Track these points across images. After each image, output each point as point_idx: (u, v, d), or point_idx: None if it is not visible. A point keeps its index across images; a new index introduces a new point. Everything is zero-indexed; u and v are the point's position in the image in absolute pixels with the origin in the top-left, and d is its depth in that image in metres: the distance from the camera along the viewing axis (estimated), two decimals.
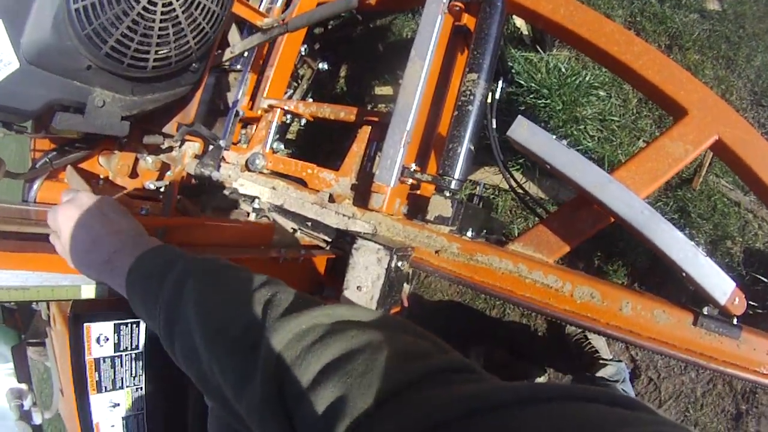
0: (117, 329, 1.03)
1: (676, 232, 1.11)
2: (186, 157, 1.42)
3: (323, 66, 1.94)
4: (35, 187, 1.35)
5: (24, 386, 1.45)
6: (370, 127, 1.42)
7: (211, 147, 1.46)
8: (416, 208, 1.37)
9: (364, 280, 1.22)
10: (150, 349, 1.09)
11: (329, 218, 1.39)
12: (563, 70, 1.89)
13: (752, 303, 1.18)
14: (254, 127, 1.72)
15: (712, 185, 1.83)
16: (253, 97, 1.70)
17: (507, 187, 1.96)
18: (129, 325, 1.05)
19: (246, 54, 1.55)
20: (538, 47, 1.98)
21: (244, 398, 0.53)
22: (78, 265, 0.85)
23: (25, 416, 1.42)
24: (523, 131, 1.17)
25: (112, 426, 1.07)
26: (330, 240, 1.39)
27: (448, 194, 1.23)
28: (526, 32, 2.02)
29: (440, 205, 1.24)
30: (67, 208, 0.85)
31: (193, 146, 1.50)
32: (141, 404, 1.11)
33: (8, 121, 1.08)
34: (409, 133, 1.23)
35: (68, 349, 0.99)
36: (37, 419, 1.45)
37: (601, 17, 1.32)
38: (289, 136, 2.39)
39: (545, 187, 1.91)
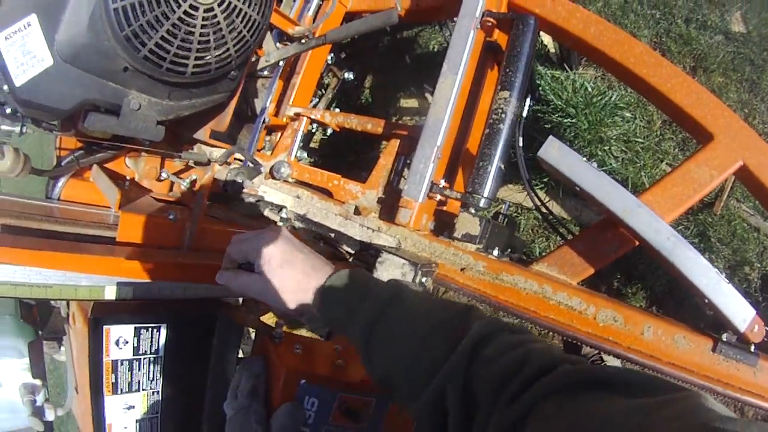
0: (137, 333, 1.05)
1: (701, 259, 1.14)
2: (217, 164, 1.45)
3: (349, 76, 1.96)
4: (60, 184, 1.38)
5: (38, 382, 1.48)
6: (398, 140, 1.43)
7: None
8: (442, 225, 1.40)
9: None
10: (169, 353, 1.11)
11: (353, 230, 1.41)
12: (589, 89, 1.92)
13: None
14: (278, 134, 1.76)
15: (733, 210, 1.85)
16: (279, 104, 1.74)
17: (530, 205, 2.00)
18: (150, 329, 1.07)
19: (281, 63, 1.59)
20: (565, 65, 2.01)
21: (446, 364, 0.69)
22: (295, 288, 0.89)
23: (37, 412, 1.45)
24: (554, 152, 1.20)
25: (125, 428, 1.08)
26: (353, 252, 1.42)
27: (475, 212, 1.26)
28: (553, 50, 2.05)
29: (468, 223, 1.26)
30: (274, 237, 0.91)
31: (222, 150, 1.52)
32: (156, 408, 1.13)
33: (39, 119, 1.09)
34: (439, 149, 1.25)
35: (87, 348, 1.01)
36: (50, 416, 1.47)
37: (630, 38, 1.35)
38: (311, 145, 2.43)
39: (568, 208, 1.94)
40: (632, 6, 2.14)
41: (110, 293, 1.03)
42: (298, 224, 1.50)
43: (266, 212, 1.55)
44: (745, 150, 1.22)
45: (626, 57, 1.35)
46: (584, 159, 1.20)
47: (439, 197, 1.29)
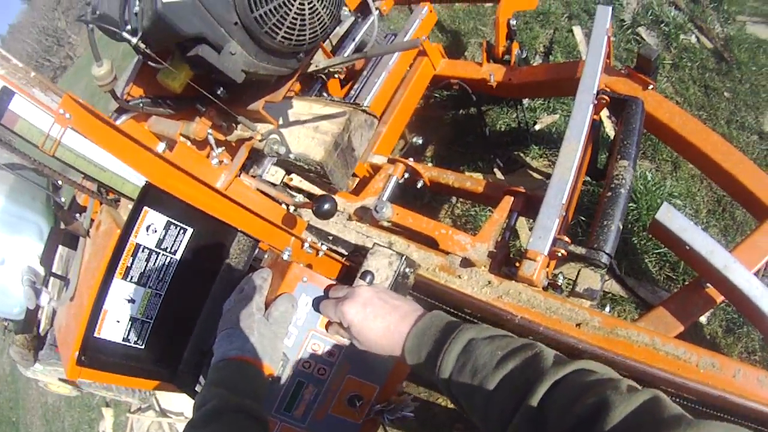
0: (167, 226, 1.22)
1: None
2: (259, 134, 1.70)
3: (418, 140, 2.24)
4: (121, 120, 1.70)
5: (42, 271, 1.76)
6: (512, 197, 1.71)
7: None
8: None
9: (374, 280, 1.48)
10: (185, 258, 1.28)
11: (349, 235, 1.70)
12: (649, 177, 2.36)
13: None
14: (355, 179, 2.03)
15: None
16: None
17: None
18: (178, 227, 1.25)
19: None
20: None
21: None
22: (378, 325, 1.10)
23: (34, 290, 1.68)
24: (670, 215, 1.54)
25: (117, 321, 1.22)
26: (347, 254, 1.70)
27: (596, 268, 1.53)
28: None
29: (589, 278, 1.52)
30: (364, 291, 1.15)
31: (267, 127, 1.73)
32: (152, 313, 1.26)
33: (159, 37, 1.41)
34: (563, 206, 1.54)
35: (105, 249, 1.18)
36: (44, 300, 1.71)
37: (708, 129, 1.78)
38: None
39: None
40: (682, 106, 2.63)
41: None
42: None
43: (282, 196, 1.76)
44: None
45: (705, 144, 1.76)
46: (694, 223, 1.54)
47: (562, 252, 1.53)
